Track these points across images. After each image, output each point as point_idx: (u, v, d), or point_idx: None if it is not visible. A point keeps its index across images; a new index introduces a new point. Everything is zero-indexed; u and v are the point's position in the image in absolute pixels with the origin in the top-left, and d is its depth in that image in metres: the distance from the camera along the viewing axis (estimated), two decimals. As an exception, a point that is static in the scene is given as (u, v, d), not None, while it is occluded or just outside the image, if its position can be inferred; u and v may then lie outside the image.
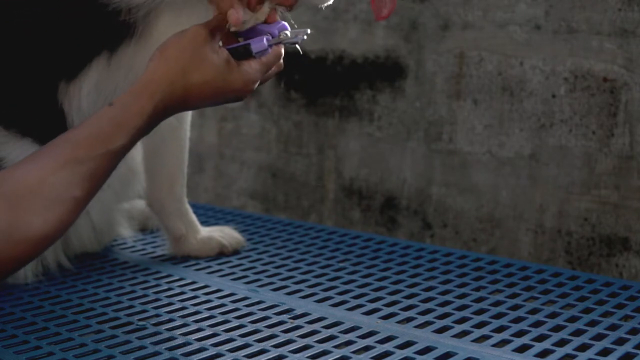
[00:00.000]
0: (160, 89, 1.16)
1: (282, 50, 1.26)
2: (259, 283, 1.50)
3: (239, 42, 1.25)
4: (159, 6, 1.31)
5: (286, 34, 1.25)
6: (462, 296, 1.42)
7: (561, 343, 1.23)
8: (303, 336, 1.26)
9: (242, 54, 1.22)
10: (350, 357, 1.19)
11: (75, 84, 1.35)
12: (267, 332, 1.27)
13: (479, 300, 1.41)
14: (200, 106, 1.23)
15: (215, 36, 1.22)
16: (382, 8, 1.29)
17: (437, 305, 1.38)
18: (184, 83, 1.18)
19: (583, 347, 1.22)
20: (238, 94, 1.22)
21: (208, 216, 1.91)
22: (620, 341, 1.24)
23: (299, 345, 1.22)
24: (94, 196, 1.15)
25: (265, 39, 1.23)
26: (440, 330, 1.28)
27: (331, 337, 1.26)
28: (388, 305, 1.38)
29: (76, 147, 1.12)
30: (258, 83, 1.24)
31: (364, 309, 1.37)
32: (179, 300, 1.41)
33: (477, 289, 1.46)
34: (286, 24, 1.26)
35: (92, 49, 1.34)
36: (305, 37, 1.25)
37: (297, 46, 1.29)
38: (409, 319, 1.33)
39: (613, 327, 1.29)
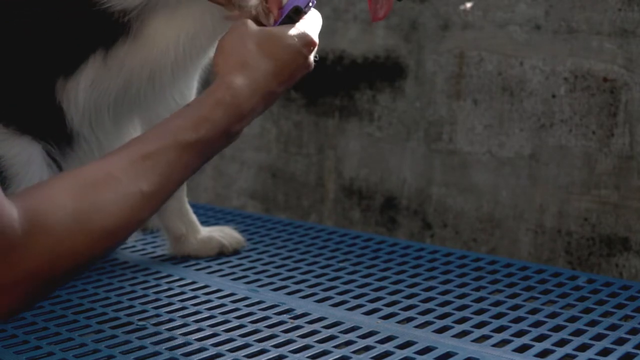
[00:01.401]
0: (237, 77, 1.12)
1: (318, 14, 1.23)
2: (259, 283, 1.50)
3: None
4: (155, 7, 1.32)
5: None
6: (462, 296, 1.42)
7: (561, 343, 1.23)
8: (303, 336, 1.26)
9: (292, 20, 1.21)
10: (350, 357, 1.19)
11: (73, 81, 1.35)
12: (267, 332, 1.27)
13: (479, 300, 1.41)
14: (280, 83, 1.16)
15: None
16: (378, 9, 1.29)
17: (437, 305, 1.38)
18: (256, 62, 1.14)
19: (583, 347, 1.22)
20: (301, 54, 1.16)
21: (208, 216, 1.91)
22: (620, 341, 1.24)
23: (299, 345, 1.22)
24: (169, 195, 1.10)
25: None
26: (440, 330, 1.28)
27: (331, 337, 1.26)
28: (388, 305, 1.38)
29: (144, 142, 1.08)
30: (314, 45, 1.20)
31: (364, 309, 1.37)
32: (179, 300, 1.41)
33: (477, 289, 1.46)
34: None
35: (89, 47, 1.34)
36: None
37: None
38: (409, 319, 1.33)
39: (613, 327, 1.29)
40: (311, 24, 1.19)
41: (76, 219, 1.01)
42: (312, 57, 1.19)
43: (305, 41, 1.17)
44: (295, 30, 1.16)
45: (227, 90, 1.11)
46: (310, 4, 1.22)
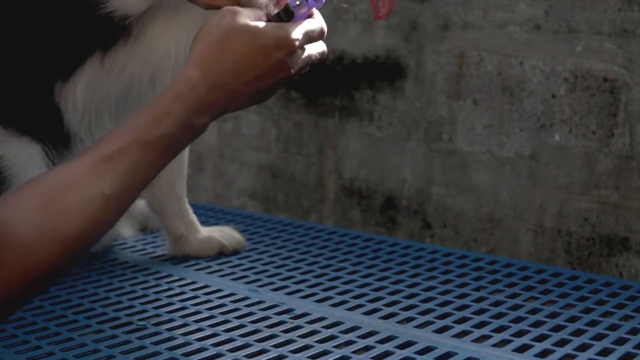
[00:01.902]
0: (196, 70, 1.08)
1: (321, 21, 1.15)
2: (259, 283, 1.50)
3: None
4: (155, 11, 1.32)
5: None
6: (462, 296, 1.42)
7: (561, 343, 1.23)
8: (303, 336, 1.26)
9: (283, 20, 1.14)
10: (350, 357, 1.19)
11: (70, 84, 1.35)
12: (267, 332, 1.27)
13: (479, 300, 1.41)
14: (246, 83, 1.10)
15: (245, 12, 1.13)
16: (380, 8, 1.28)
17: (437, 305, 1.38)
18: (219, 57, 1.09)
19: (583, 347, 1.22)
20: (272, 56, 1.09)
21: (208, 216, 1.91)
22: (620, 341, 1.24)
23: (299, 345, 1.22)
24: (136, 195, 1.08)
25: None
26: (440, 330, 1.28)
27: (331, 337, 1.26)
28: (388, 305, 1.38)
29: (106, 143, 1.07)
30: (303, 59, 1.13)
31: (364, 309, 1.37)
32: (179, 300, 1.41)
33: (477, 289, 1.46)
34: None
35: (86, 51, 1.35)
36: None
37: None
38: (409, 319, 1.33)
39: (613, 327, 1.29)
40: (301, 28, 1.12)
41: (44, 229, 1.01)
42: (294, 61, 1.11)
43: (280, 43, 1.09)
44: (273, 30, 1.10)
45: (185, 83, 1.08)
46: (306, 7, 1.15)
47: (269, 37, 1.09)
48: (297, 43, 1.11)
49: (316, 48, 1.15)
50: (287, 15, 1.13)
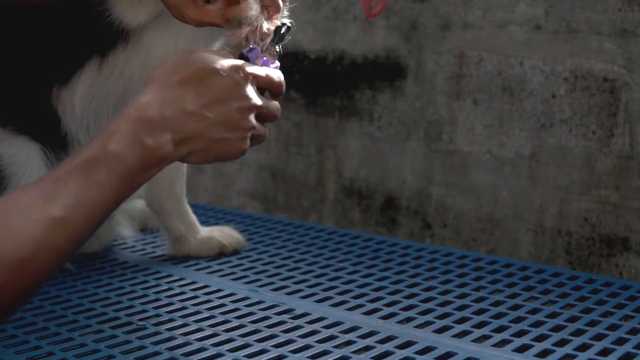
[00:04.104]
0: (147, 91, 1.07)
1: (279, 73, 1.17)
2: (259, 283, 1.50)
3: None
4: (155, 18, 1.32)
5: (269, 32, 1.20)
6: (462, 296, 1.42)
7: (561, 343, 1.23)
8: (303, 336, 1.26)
9: None
10: (350, 357, 1.19)
11: (68, 88, 1.36)
12: (267, 332, 1.27)
13: (479, 300, 1.41)
14: (203, 105, 1.08)
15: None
16: (372, 6, 1.28)
17: (437, 305, 1.38)
18: (172, 79, 1.07)
19: (583, 347, 1.22)
20: (230, 77, 1.09)
21: (208, 216, 1.91)
22: (620, 341, 1.24)
23: (299, 345, 1.22)
24: (93, 219, 1.01)
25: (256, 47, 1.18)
26: (440, 330, 1.28)
27: (331, 337, 1.26)
28: (388, 305, 1.38)
29: (57, 167, 1.03)
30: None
31: (364, 309, 1.37)
32: (179, 300, 1.41)
33: (477, 289, 1.46)
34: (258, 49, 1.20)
35: (85, 55, 1.35)
36: (287, 28, 1.20)
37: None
38: (409, 319, 1.33)
39: (613, 327, 1.29)
40: (256, 66, 1.14)
41: None
42: (248, 90, 1.10)
43: (235, 67, 1.09)
44: (230, 58, 1.10)
45: (133, 103, 1.06)
46: (260, 58, 1.18)
47: (223, 61, 1.09)
48: (251, 70, 1.11)
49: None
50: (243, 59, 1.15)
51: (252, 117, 1.11)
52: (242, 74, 1.10)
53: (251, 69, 1.12)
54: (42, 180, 1.02)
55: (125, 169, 1.03)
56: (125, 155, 1.02)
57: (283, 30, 1.20)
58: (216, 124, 1.09)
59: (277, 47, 1.20)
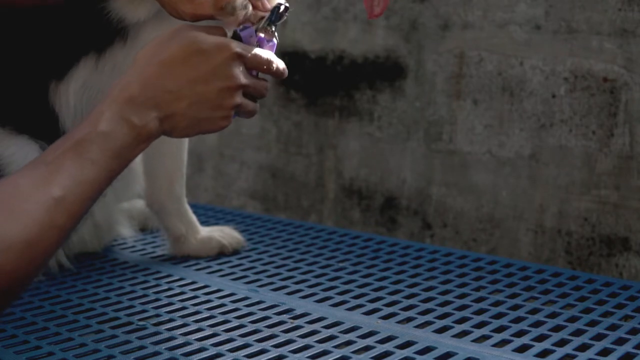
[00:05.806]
0: (130, 71, 1.10)
1: (271, 54, 1.18)
2: (259, 283, 1.50)
3: None
4: (152, 14, 1.33)
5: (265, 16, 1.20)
6: (462, 296, 1.42)
7: (561, 343, 1.23)
8: (303, 336, 1.26)
9: None
10: (350, 357, 1.19)
11: (64, 84, 1.36)
12: (267, 332, 1.27)
13: (479, 300, 1.41)
14: (183, 86, 1.10)
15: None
16: (374, 6, 1.28)
17: (437, 305, 1.38)
18: (156, 58, 1.10)
19: (583, 347, 1.22)
20: (214, 60, 1.10)
21: (208, 216, 1.91)
22: (620, 341, 1.24)
23: (299, 345, 1.22)
24: (90, 196, 1.06)
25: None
26: (440, 330, 1.28)
27: (331, 337, 1.26)
28: (388, 305, 1.38)
29: (47, 151, 1.07)
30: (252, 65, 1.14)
31: (364, 309, 1.37)
32: (179, 300, 1.41)
33: (477, 289, 1.46)
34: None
35: (81, 50, 1.35)
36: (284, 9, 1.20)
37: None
38: (409, 319, 1.33)
39: (613, 327, 1.29)
40: (244, 44, 1.15)
41: None
42: (236, 69, 1.12)
43: (219, 46, 1.11)
44: (214, 37, 1.12)
45: (117, 84, 1.10)
46: (255, 37, 1.18)
47: (208, 40, 1.11)
48: (237, 49, 1.12)
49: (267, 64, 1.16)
50: (236, 39, 1.16)
51: (236, 96, 1.13)
52: (227, 54, 1.12)
53: (238, 48, 1.13)
54: (35, 165, 1.05)
55: (117, 147, 1.08)
56: (115, 134, 1.08)
57: (282, 9, 1.20)
58: (197, 103, 1.12)
59: (274, 26, 1.21)
